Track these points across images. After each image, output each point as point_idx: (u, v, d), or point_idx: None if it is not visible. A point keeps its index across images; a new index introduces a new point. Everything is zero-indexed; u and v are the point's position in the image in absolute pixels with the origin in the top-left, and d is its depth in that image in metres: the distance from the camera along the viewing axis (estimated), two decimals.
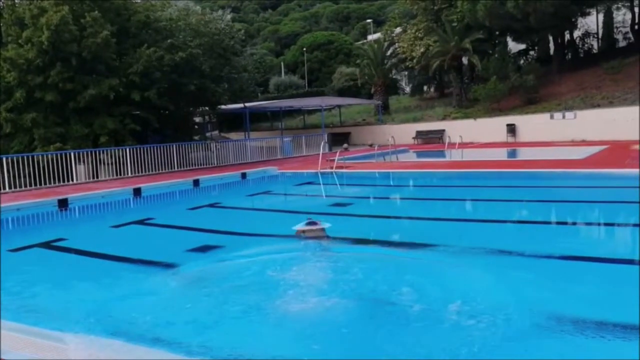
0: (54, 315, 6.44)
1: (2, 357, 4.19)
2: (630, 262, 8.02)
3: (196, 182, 19.31)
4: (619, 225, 11.23)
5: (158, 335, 5.52)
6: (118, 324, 5.91)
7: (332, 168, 20.89)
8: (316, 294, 6.28)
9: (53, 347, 4.58)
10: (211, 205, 16.13)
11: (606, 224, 11.40)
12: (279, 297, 6.29)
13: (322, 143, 23.09)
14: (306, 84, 65.62)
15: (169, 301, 6.79)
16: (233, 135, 43.19)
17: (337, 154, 22.41)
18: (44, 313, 6.52)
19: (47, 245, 10.73)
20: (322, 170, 20.77)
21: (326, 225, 9.23)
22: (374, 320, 5.67)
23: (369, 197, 17.54)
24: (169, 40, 25.32)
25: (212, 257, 9.08)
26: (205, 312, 6.21)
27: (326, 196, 17.89)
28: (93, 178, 21.52)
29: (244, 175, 21.22)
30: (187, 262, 8.78)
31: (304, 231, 9.21)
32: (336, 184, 19.46)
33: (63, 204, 15.18)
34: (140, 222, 13.32)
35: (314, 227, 9.15)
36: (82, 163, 21.49)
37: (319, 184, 19.58)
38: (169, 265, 8.65)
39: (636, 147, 22.74)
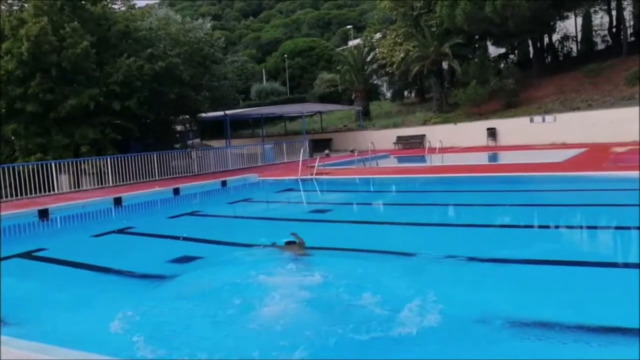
0: (29, 326, 6.54)
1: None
2: (606, 265, 8.20)
3: (176, 191, 19.39)
4: (596, 228, 11.29)
5: (132, 345, 5.63)
6: (92, 335, 6.02)
7: (312, 174, 21.04)
8: (286, 304, 6.34)
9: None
10: (191, 214, 16.25)
11: (581, 228, 11.56)
12: (252, 306, 6.36)
13: (302, 150, 23.21)
14: (288, 91, 65.75)
15: (143, 311, 6.89)
16: (215, 143, 43.16)
17: (317, 160, 22.55)
18: (18, 324, 6.61)
19: (27, 255, 10.80)
20: (302, 177, 20.93)
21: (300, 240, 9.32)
22: (339, 328, 5.74)
23: (346, 204, 17.65)
24: (148, 50, 25.41)
25: (189, 266, 9.20)
26: (179, 322, 6.31)
27: (305, 203, 18.06)
28: (75, 188, 21.52)
29: (224, 183, 21.32)
30: (163, 270, 8.90)
31: (282, 246, 9.32)
32: (316, 191, 19.62)
33: (44, 214, 15.23)
34: (121, 231, 13.42)
35: (293, 245, 9.25)
36: (64, 173, 21.50)
37: (299, 190, 19.75)
38: (145, 275, 8.79)
39: (616, 149, 23.00)
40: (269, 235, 9.33)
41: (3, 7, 24.95)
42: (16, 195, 19.23)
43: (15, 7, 25.05)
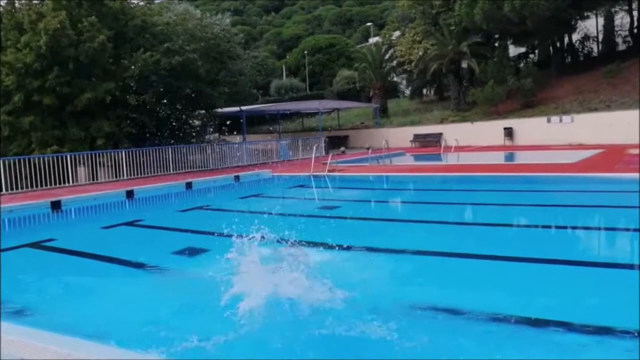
0: (29, 313, 6.68)
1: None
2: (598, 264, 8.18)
3: (189, 185, 19.59)
4: (597, 229, 11.23)
5: (130, 335, 5.73)
6: (93, 324, 6.14)
7: (324, 171, 21.13)
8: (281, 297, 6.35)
9: (32, 347, 4.70)
10: (200, 208, 16.41)
11: (583, 228, 11.49)
12: (250, 299, 6.38)
13: (315, 146, 23.32)
14: (307, 87, 65.84)
15: (144, 301, 7.02)
16: (233, 138, 43.38)
17: (330, 157, 22.63)
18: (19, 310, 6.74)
19: (37, 245, 11.00)
20: (314, 174, 21.02)
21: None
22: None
23: (354, 201, 17.62)
24: (165, 45, 25.57)
25: (192, 258, 9.34)
26: (176, 313, 6.42)
27: (313, 199, 18.15)
28: (92, 180, 21.79)
29: (237, 178, 21.48)
30: (167, 261, 9.06)
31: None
32: (327, 187, 19.67)
33: (56, 205, 15.47)
34: (130, 223, 13.60)
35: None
36: (82, 165, 21.78)
37: (311, 187, 19.81)
38: (148, 266, 8.95)
39: (631, 151, 22.82)
40: (274, 230, 9.31)
41: (23, 1, 25.29)
42: (32, 187, 19.52)
43: (35, 1, 25.34)
